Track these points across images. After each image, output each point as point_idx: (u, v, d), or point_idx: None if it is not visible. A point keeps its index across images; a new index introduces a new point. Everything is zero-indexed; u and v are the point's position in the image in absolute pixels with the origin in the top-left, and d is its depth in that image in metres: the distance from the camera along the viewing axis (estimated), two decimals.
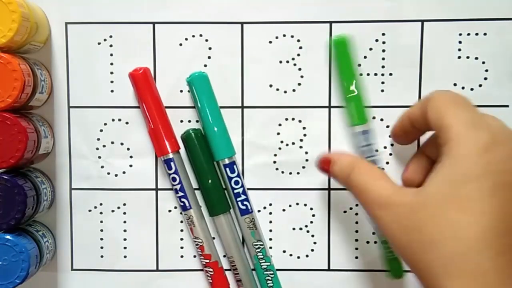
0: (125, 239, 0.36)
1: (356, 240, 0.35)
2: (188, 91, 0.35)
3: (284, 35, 0.35)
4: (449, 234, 0.22)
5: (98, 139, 0.35)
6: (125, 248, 0.36)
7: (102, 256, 0.36)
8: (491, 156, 0.23)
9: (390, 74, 0.34)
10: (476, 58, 0.34)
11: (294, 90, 0.35)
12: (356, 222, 0.35)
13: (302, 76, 0.35)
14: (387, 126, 0.35)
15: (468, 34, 0.34)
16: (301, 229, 0.35)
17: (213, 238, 0.35)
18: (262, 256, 0.35)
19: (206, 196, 0.35)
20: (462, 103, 0.26)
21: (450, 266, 0.22)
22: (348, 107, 0.34)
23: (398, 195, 0.25)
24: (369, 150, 0.34)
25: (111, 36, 0.35)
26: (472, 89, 0.34)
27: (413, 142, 0.33)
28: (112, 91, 0.35)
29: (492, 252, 0.21)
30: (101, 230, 0.36)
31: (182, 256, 0.36)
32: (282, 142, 0.35)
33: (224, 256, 0.36)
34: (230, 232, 0.35)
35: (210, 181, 0.34)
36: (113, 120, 0.35)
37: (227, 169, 0.34)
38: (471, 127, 0.24)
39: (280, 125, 0.35)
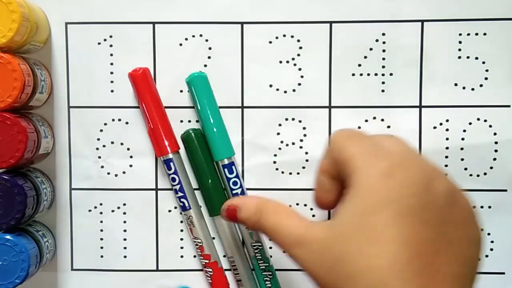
0: (125, 239, 0.36)
1: None
2: (188, 91, 0.35)
3: (284, 35, 0.35)
4: (364, 266, 0.22)
5: (98, 139, 0.35)
6: (125, 248, 0.36)
7: (102, 256, 0.36)
8: (392, 183, 0.23)
9: (390, 74, 0.34)
10: (476, 58, 0.34)
11: (294, 90, 0.35)
12: None
13: (302, 76, 0.35)
14: (388, 126, 0.35)
15: (468, 34, 0.34)
16: None
17: (213, 238, 0.35)
18: (260, 257, 0.35)
19: (206, 196, 0.35)
20: (359, 135, 0.26)
21: None
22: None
23: (310, 232, 0.25)
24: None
25: (111, 36, 0.35)
26: (472, 89, 0.34)
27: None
28: (112, 91, 0.35)
29: (406, 277, 0.21)
30: (101, 230, 0.36)
31: (182, 256, 0.36)
32: (282, 142, 0.35)
33: (224, 256, 0.36)
34: (230, 233, 0.35)
35: (210, 181, 0.34)
36: (113, 120, 0.35)
37: (226, 169, 0.34)
38: (371, 156, 0.24)
39: (280, 125, 0.35)
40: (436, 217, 0.23)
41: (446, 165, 0.35)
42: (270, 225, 0.27)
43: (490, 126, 0.34)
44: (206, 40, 0.35)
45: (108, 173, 0.35)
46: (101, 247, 0.36)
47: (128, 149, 0.35)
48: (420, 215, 0.22)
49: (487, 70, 0.34)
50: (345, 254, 0.23)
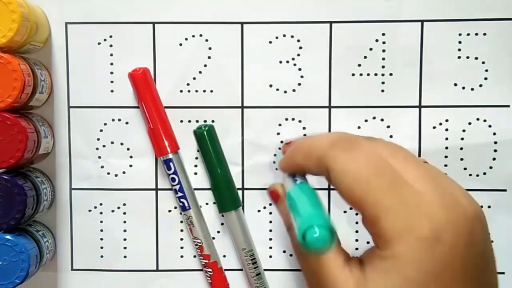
0: (125, 239, 0.36)
1: (356, 240, 0.35)
2: (196, 91, 0.35)
3: (284, 35, 0.35)
4: None
5: (98, 139, 0.35)
6: (125, 248, 0.36)
7: (102, 256, 0.36)
8: (439, 249, 0.20)
9: (390, 74, 0.34)
10: (476, 58, 0.34)
11: (294, 90, 0.35)
12: (356, 222, 0.35)
13: (302, 76, 0.35)
14: (388, 126, 0.35)
15: (468, 34, 0.34)
16: None
17: (213, 238, 0.35)
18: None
19: (217, 192, 0.35)
20: (386, 181, 0.22)
21: None
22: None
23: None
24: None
25: (111, 36, 0.35)
26: (472, 89, 0.34)
27: None
28: (112, 91, 0.35)
29: None
30: (101, 230, 0.36)
31: (182, 256, 0.36)
32: (282, 142, 0.35)
33: (224, 256, 0.36)
34: (242, 227, 0.35)
35: (221, 177, 0.34)
36: (113, 120, 0.35)
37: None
38: (407, 218, 0.21)
39: (280, 125, 0.35)
40: (481, 261, 0.21)
41: (445, 165, 0.35)
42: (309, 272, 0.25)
43: (490, 126, 0.34)
44: (206, 40, 0.35)
45: (108, 173, 0.35)
46: (101, 247, 0.36)
47: (128, 149, 0.35)
48: (473, 273, 0.20)
49: (486, 70, 0.34)
50: None
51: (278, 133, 0.35)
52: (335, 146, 0.24)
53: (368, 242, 0.35)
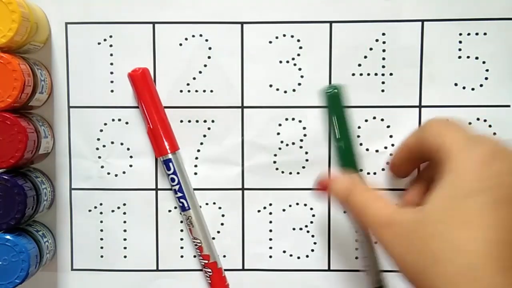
0: (125, 239, 0.36)
1: (356, 240, 0.35)
2: (196, 91, 0.35)
3: (284, 35, 0.35)
4: (453, 250, 0.22)
5: (98, 139, 0.35)
6: (125, 248, 0.36)
7: (102, 256, 0.36)
8: (491, 170, 0.23)
9: (390, 74, 0.34)
10: (477, 58, 0.34)
11: (294, 90, 0.35)
12: None
13: (302, 76, 0.35)
14: (388, 126, 0.35)
15: (468, 34, 0.34)
16: (301, 229, 0.35)
17: (213, 238, 0.35)
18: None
19: (346, 153, 0.34)
20: (458, 124, 0.27)
21: (456, 283, 0.21)
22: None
23: (398, 213, 0.25)
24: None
25: (111, 36, 0.35)
26: (472, 89, 0.34)
27: (409, 175, 0.34)
28: (112, 91, 0.35)
29: (499, 266, 0.21)
30: (101, 230, 0.36)
31: (182, 256, 0.36)
32: (282, 142, 0.35)
33: (224, 257, 0.36)
34: None
35: (350, 138, 0.34)
36: (113, 120, 0.35)
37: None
38: (469, 143, 0.24)
39: (280, 125, 0.35)
40: None
41: None
42: (358, 203, 0.28)
43: (490, 126, 0.34)
44: (206, 40, 0.35)
45: (108, 173, 0.35)
46: (101, 247, 0.36)
47: (128, 149, 0.35)
48: None
49: (487, 70, 0.34)
50: (434, 236, 0.22)
51: (278, 133, 0.35)
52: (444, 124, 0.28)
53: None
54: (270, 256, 0.35)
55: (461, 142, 0.25)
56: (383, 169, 0.35)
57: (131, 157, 0.35)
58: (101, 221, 0.36)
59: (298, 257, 0.36)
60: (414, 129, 0.30)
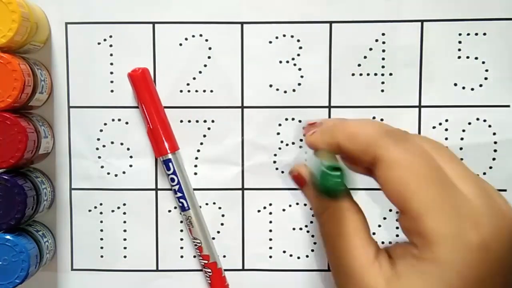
0: (125, 239, 0.36)
1: None
2: (196, 91, 0.35)
3: (284, 35, 0.35)
4: None
5: (98, 139, 0.35)
6: (125, 248, 0.36)
7: (102, 256, 0.36)
8: (481, 263, 0.20)
9: (390, 74, 0.34)
10: (476, 58, 0.34)
11: (294, 90, 0.35)
12: None
13: (302, 76, 0.35)
14: None
15: (468, 34, 0.34)
16: (301, 229, 0.35)
17: (213, 238, 0.35)
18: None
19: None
20: (435, 179, 0.21)
21: None
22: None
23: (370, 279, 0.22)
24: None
25: (111, 36, 0.35)
26: (472, 89, 0.34)
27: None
28: (112, 91, 0.35)
29: None
30: (101, 230, 0.36)
31: (182, 256, 0.36)
32: (282, 142, 0.35)
33: (224, 257, 0.36)
34: None
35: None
36: (113, 120, 0.35)
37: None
38: (456, 225, 0.20)
39: (280, 125, 0.35)
40: None
41: None
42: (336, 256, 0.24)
43: (490, 126, 0.34)
44: (206, 40, 0.35)
45: (108, 173, 0.35)
46: (101, 247, 0.36)
47: (128, 149, 0.35)
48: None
49: (486, 70, 0.34)
50: None
51: (278, 133, 0.35)
52: (387, 135, 0.23)
53: None
54: (270, 256, 0.35)
55: (442, 218, 0.20)
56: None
57: (131, 157, 0.35)
58: (101, 221, 0.36)
59: (298, 257, 0.36)
60: (349, 134, 0.24)
